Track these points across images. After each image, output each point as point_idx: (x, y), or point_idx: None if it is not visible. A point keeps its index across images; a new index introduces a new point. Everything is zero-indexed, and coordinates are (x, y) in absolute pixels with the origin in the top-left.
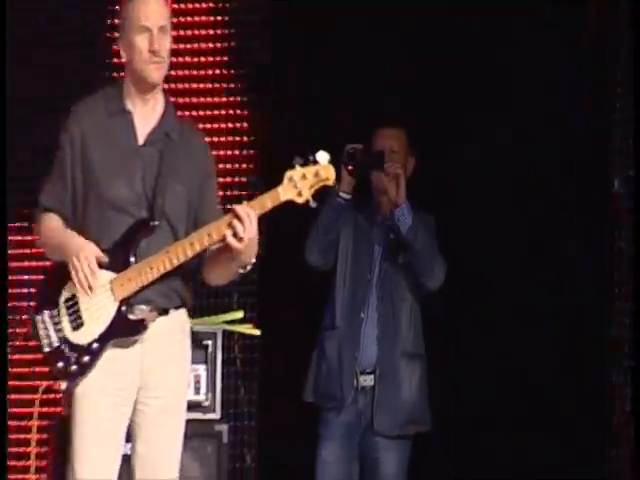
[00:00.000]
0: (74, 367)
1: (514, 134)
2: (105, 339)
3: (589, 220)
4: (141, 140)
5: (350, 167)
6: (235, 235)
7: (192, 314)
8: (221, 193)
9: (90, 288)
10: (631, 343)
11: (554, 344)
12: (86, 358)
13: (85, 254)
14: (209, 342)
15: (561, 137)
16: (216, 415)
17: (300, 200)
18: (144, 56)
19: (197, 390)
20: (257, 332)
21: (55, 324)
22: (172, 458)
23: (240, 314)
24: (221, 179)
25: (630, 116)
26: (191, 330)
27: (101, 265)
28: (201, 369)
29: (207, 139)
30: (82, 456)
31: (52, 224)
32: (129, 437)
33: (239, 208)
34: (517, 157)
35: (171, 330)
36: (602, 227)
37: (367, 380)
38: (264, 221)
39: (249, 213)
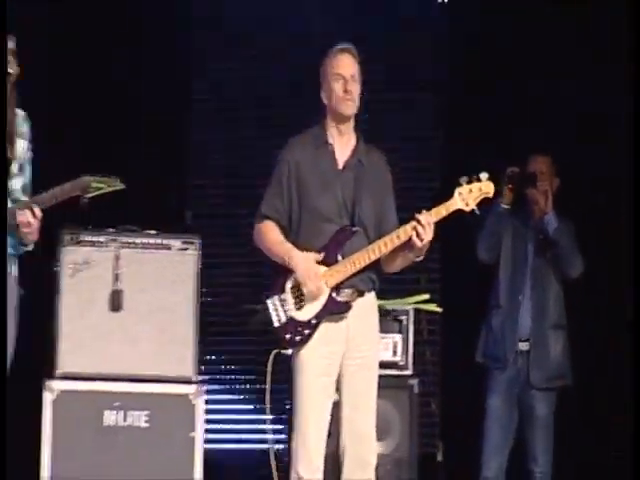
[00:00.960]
0: (298, 338)
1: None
2: (321, 316)
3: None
4: (340, 166)
5: (510, 185)
6: (418, 236)
7: (391, 297)
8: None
9: (306, 298)
10: None
11: (583, 344)
12: (307, 331)
13: (307, 276)
14: (403, 317)
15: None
16: (409, 372)
17: (467, 209)
18: (339, 96)
19: (394, 353)
20: (439, 310)
21: (283, 305)
22: (370, 404)
23: (426, 296)
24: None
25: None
26: (390, 308)
27: (316, 262)
28: (397, 337)
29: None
30: (306, 401)
31: (269, 229)
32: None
33: (422, 217)
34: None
35: (365, 307)
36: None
37: (524, 346)
38: (442, 227)
39: (429, 220)
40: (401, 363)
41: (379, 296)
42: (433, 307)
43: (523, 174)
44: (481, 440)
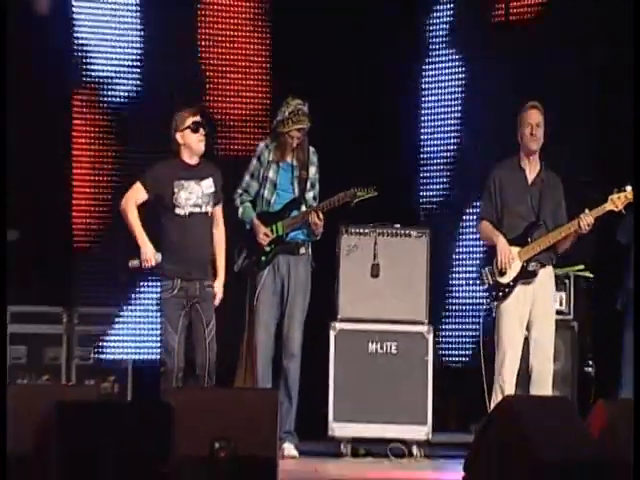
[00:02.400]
0: (501, 294)
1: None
2: (516, 280)
3: None
4: (529, 183)
5: None
6: (582, 227)
7: (561, 266)
8: None
9: (506, 268)
10: None
11: None
12: (507, 289)
13: (503, 252)
14: (567, 280)
15: None
16: (570, 317)
17: (617, 209)
18: (528, 137)
19: (561, 304)
20: (590, 275)
21: (491, 273)
22: (550, 338)
23: (582, 267)
24: None
25: None
26: (557, 274)
27: (511, 244)
28: (563, 294)
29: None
30: (506, 335)
31: (485, 226)
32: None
33: (585, 216)
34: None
35: (546, 275)
36: None
37: None
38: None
39: (589, 219)
40: (565, 311)
41: (555, 266)
42: (587, 274)
43: None
44: (620, 361)
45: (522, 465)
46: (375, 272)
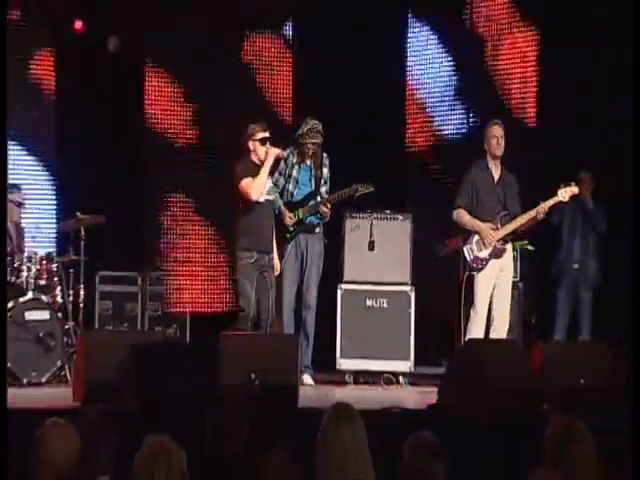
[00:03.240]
0: (480, 266)
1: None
2: (491, 255)
3: None
4: (495, 182)
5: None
6: (540, 214)
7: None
8: None
9: (491, 243)
10: None
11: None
12: (484, 262)
13: (489, 234)
14: (514, 252)
15: None
16: (517, 279)
17: (565, 200)
18: (494, 146)
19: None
20: (532, 248)
21: (471, 249)
22: (509, 296)
23: (526, 241)
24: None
25: None
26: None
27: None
28: None
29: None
30: (480, 295)
31: (462, 212)
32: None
33: (542, 205)
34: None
35: (509, 251)
36: None
37: (575, 266)
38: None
39: (545, 208)
40: (513, 275)
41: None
42: (530, 247)
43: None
44: (554, 313)
45: (480, 391)
46: (371, 246)
